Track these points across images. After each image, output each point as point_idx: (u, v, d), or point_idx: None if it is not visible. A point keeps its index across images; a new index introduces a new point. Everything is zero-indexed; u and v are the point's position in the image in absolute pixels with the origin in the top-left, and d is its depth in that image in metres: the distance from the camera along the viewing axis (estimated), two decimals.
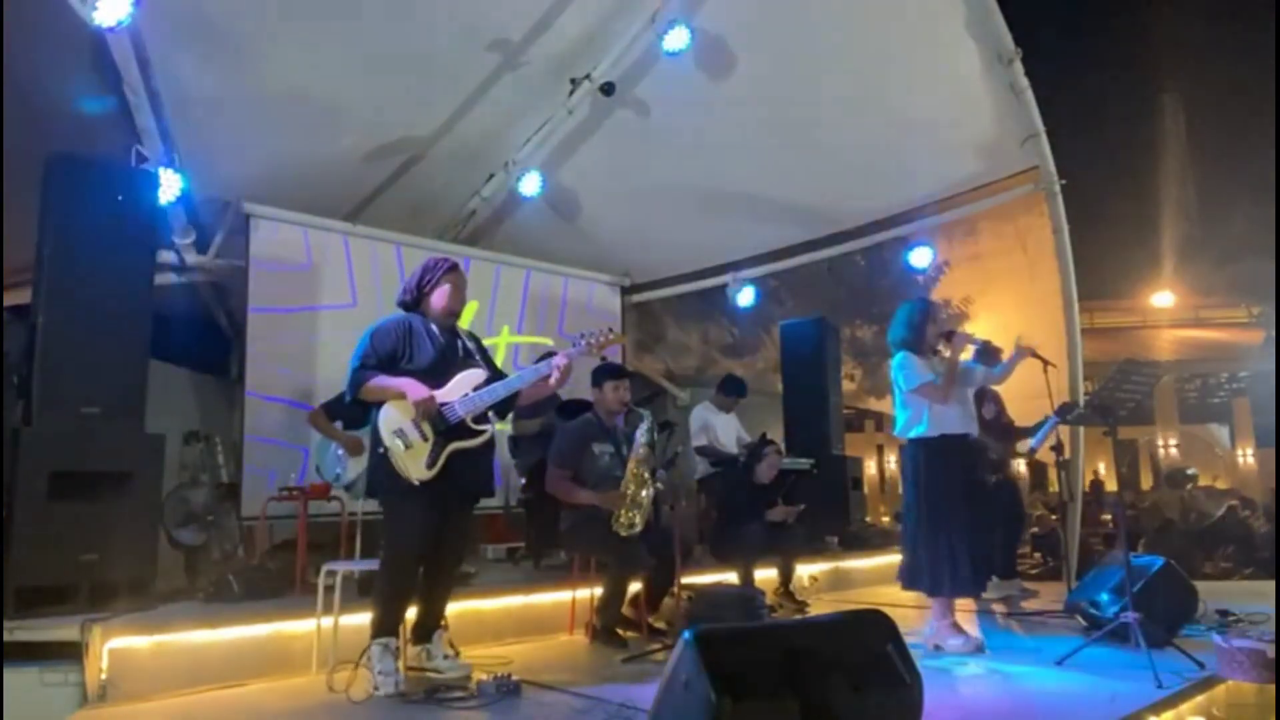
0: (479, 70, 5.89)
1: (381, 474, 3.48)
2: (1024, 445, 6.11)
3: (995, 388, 5.61)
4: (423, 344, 3.59)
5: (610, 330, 3.74)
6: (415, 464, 3.41)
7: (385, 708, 3.25)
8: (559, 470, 4.55)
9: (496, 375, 3.70)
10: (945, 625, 4.17)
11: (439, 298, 3.67)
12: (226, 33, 4.97)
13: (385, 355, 3.52)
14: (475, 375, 3.59)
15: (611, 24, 5.79)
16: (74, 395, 4.03)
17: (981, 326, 7.84)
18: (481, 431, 3.56)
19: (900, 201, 7.32)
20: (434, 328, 3.65)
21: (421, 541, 3.48)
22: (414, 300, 3.71)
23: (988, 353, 4.93)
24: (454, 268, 3.73)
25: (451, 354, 3.64)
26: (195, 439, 6.37)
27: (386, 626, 3.45)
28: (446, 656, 3.64)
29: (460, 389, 3.53)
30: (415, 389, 3.43)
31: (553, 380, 3.62)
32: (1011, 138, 6.43)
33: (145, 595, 3.95)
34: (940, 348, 4.37)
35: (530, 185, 6.81)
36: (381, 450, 3.44)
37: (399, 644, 3.51)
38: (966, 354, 4.44)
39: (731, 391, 6.67)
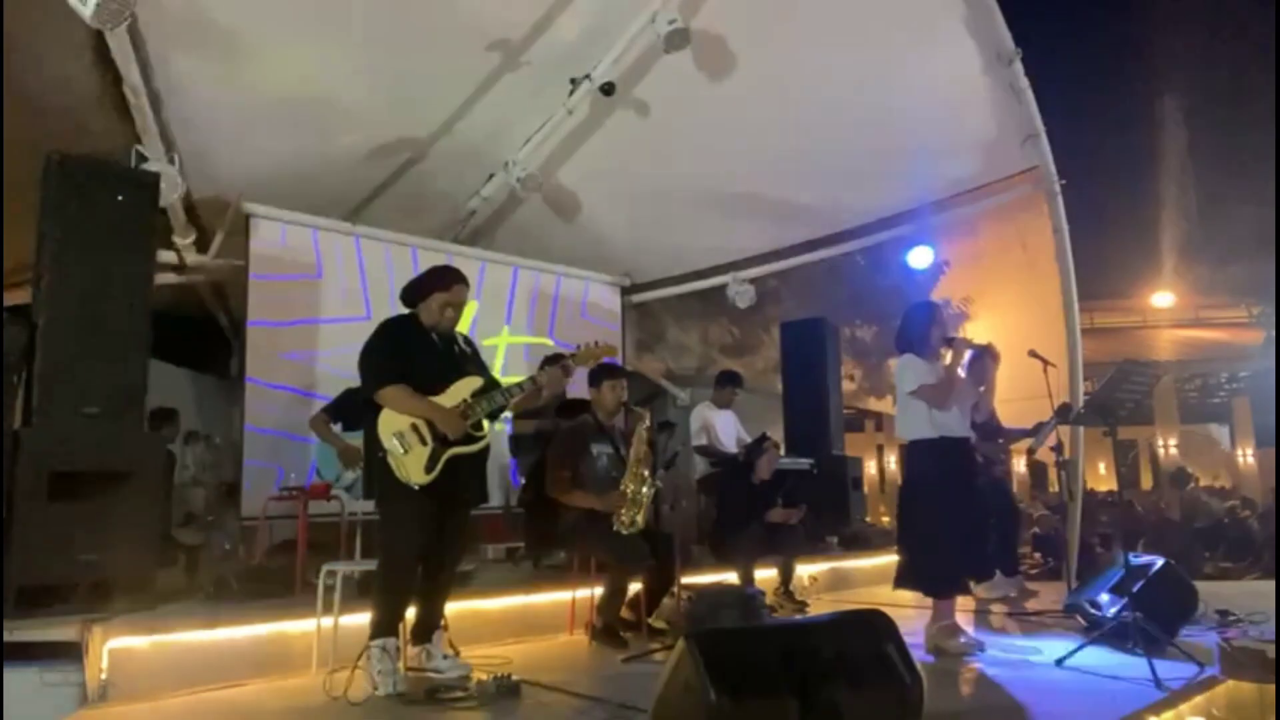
0: (479, 70, 5.89)
1: (380, 477, 3.49)
2: (1024, 444, 6.09)
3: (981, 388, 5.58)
4: (421, 351, 3.61)
5: (590, 345, 3.89)
6: (415, 468, 3.43)
7: (385, 708, 3.25)
8: (558, 471, 4.55)
9: (490, 380, 3.74)
10: (945, 626, 4.16)
11: (435, 310, 3.67)
12: (226, 33, 4.97)
13: (400, 365, 3.53)
14: (472, 383, 3.63)
15: (611, 24, 5.78)
16: (74, 395, 4.02)
17: (981, 327, 7.84)
18: (479, 437, 3.60)
19: (900, 201, 7.31)
20: (432, 335, 3.67)
21: (419, 544, 3.50)
22: (412, 304, 3.72)
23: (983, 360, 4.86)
24: (458, 283, 3.71)
25: (449, 360, 3.67)
26: (195, 439, 6.38)
27: (385, 627, 3.45)
28: (446, 656, 3.65)
29: (458, 396, 3.56)
30: (442, 416, 3.48)
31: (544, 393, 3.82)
32: (1011, 138, 6.42)
33: (145, 595, 3.95)
34: (943, 350, 4.36)
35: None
36: (381, 454, 3.46)
37: (398, 644, 3.52)
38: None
39: (727, 383, 6.68)
